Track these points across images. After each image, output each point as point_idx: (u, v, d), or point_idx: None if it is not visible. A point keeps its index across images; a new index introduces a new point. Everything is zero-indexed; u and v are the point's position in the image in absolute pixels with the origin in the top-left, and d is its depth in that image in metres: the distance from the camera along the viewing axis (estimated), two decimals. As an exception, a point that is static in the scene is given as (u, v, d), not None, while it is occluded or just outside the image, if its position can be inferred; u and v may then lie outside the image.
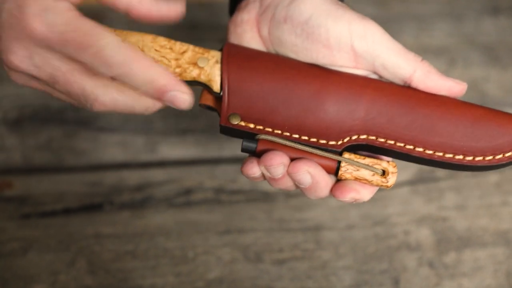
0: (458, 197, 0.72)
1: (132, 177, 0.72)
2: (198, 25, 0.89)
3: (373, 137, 0.49)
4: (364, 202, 0.71)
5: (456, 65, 0.83)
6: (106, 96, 0.48)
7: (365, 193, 0.51)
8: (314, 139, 0.49)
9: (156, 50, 0.50)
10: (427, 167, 0.74)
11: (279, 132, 0.49)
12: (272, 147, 0.49)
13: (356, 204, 0.71)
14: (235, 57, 0.50)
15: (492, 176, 0.73)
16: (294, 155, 0.49)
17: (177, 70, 0.50)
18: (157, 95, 0.48)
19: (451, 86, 0.50)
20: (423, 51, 0.84)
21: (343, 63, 0.51)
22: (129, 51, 0.47)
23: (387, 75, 0.51)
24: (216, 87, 0.50)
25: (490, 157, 0.49)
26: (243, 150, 0.49)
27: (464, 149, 0.49)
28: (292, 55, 0.52)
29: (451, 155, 0.49)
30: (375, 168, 0.49)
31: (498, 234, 0.69)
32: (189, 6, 0.92)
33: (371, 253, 0.67)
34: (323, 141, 0.49)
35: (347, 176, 0.49)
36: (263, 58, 0.51)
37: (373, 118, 0.50)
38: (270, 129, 0.49)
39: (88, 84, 0.48)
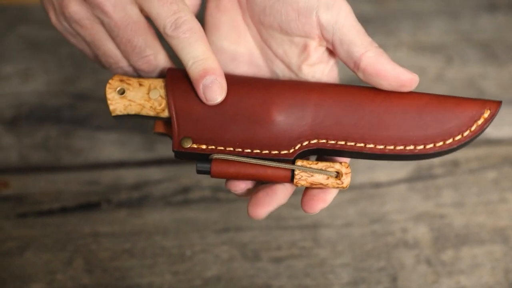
0: (456, 194, 0.72)
1: (129, 175, 0.71)
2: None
3: (324, 141, 0.50)
4: (361, 200, 0.71)
5: (453, 62, 0.83)
6: (161, 55, 0.52)
7: (330, 198, 0.52)
8: (266, 151, 0.50)
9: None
10: (425, 164, 0.74)
11: (231, 149, 0.50)
12: (226, 165, 0.50)
13: (353, 202, 0.71)
14: (178, 82, 0.52)
15: (490, 173, 0.73)
16: (248, 170, 0.50)
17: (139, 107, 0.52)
18: (202, 74, 0.50)
19: (399, 73, 0.51)
20: (420, 49, 0.84)
21: (308, 30, 0.52)
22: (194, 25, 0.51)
23: (341, 52, 0.52)
24: (164, 113, 0.51)
25: (441, 143, 0.49)
26: (198, 171, 0.50)
27: (413, 139, 0.49)
28: (264, 18, 0.53)
29: (402, 147, 0.50)
30: (328, 171, 0.50)
31: (495, 231, 0.69)
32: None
33: (369, 251, 0.67)
34: (275, 152, 0.50)
35: (303, 183, 0.50)
36: None
37: (320, 122, 0.50)
38: (222, 148, 0.50)
39: (149, 39, 0.52)
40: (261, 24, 0.54)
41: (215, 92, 0.50)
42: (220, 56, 0.55)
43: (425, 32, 0.85)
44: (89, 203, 0.69)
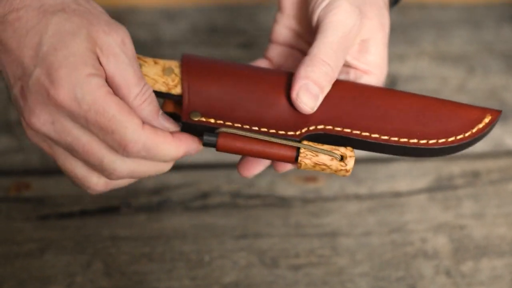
0: (476, 205, 0.71)
1: (149, 180, 0.72)
2: (217, 29, 0.89)
3: (330, 127, 0.52)
4: (381, 209, 0.71)
5: (475, 73, 0.82)
6: (123, 168, 0.49)
7: (262, 168, 0.56)
8: (273, 130, 0.51)
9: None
10: (446, 174, 0.73)
11: (239, 125, 0.51)
12: (232, 140, 0.51)
13: (373, 211, 0.71)
14: (194, 62, 0.53)
15: (511, 185, 0.73)
16: (254, 145, 0.51)
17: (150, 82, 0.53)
18: (176, 159, 0.51)
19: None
20: (441, 59, 0.83)
21: None
22: (152, 136, 0.48)
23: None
24: (176, 90, 0.52)
25: (443, 140, 0.51)
26: (204, 144, 0.51)
27: (417, 134, 0.52)
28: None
29: (405, 139, 0.51)
30: (333, 152, 0.51)
31: (516, 243, 0.69)
32: (209, 10, 0.93)
33: (388, 260, 0.67)
34: (282, 132, 0.51)
35: (307, 161, 0.51)
36: (220, 62, 0.54)
37: (329, 110, 0.52)
38: (230, 123, 0.51)
39: (107, 157, 0.48)
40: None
41: (194, 153, 0.52)
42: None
43: (447, 41, 0.85)
44: (109, 207, 0.70)
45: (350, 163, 0.51)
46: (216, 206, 0.71)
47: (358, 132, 0.52)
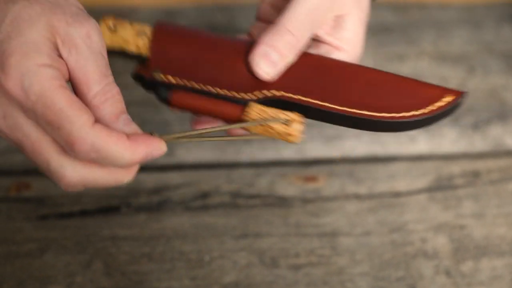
0: (476, 205, 0.71)
1: (149, 180, 0.72)
2: (217, 29, 0.89)
3: (285, 94, 0.53)
4: (381, 209, 0.71)
5: (475, 72, 0.82)
6: (74, 174, 0.45)
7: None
8: (225, 91, 0.53)
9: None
10: (446, 174, 0.73)
11: (194, 84, 0.53)
12: (185, 95, 0.53)
13: (373, 211, 0.71)
14: (165, 27, 0.55)
15: (511, 185, 0.73)
16: (206, 102, 0.53)
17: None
18: (135, 164, 0.46)
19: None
20: (441, 58, 0.83)
21: None
22: (102, 135, 0.44)
23: None
24: (146, 52, 0.54)
25: (394, 114, 0.52)
26: (158, 98, 0.53)
27: (372, 106, 0.52)
28: None
29: (358, 111, 0.52)
30: (280, 115, 0.51)
31: (516, 243, 0.69)
32: (207, 9, 0.93)
33: (388, 260, 0.67)
34: (234, 93, 0.53)
35: (252, 122, 0.52)
36: (189, 28, 0.56)
37: (287, 77, 0.53)
38: (186, 81, 0.53)
39: (55, 159, 0.45)
40: None
41: (157, 155, 0.48)
42: None
43: (447, 41, 0.85)
44: (109, 207, 0.70)
45: (294, 127, 0.51)
46: (216, 206, 0.71)
47: (313, 101, 0.52)
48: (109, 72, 0.46)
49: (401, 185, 0.73)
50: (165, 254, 0.66)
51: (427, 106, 0.52)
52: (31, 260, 0.65)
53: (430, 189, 0.73)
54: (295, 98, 0.52)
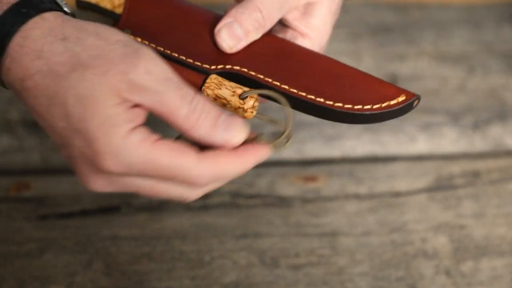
0: (476, 205, 0.71)
1: (149, 180, 0.72)
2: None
3: (245, 70, 0.53)
4: (381, 209, 0.71)
5: (475, 72, 0.82)
6: (195, 193, 0.48)
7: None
8: (190, 60, 0.54)
9: None
10: (446, 174, 0.73)
11: (161, 49, 0.54)
12: None
13: (373, 211, 0.71)
14: None
15: (511, 185, 0.73)
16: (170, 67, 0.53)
17: None
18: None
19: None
20: (441, 58, 0.83)
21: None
22: (214, 165, 0.46)
23: None
24: (119, 10, 0.56)
25: (349, 106, 0.52)
26: None
27: (326, 94, 0.53)
28: None
29: (312, 96, 0.53)
30: (236, 90, 0.52)
31: (516, 243, 0.69)
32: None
33: (388, 260, 0.67)
34: (198, 63, 0.53)
35: (209, 92, 0.52)
36: None
37: (249, 54, 0.54)
38: (153, 45, 0.54)
39: (174, 190, 0.47)
40: None
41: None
42: None
43: (447, 41, 0.85)
44: (109, 207, 0.70)
45: (248, 102, 0.51)
46: (216, 206, 0.71)
47: (269, 80, 0.53)
48: (185, 87, 0.46)
49: (401, 185, 0.73)
50: (165, 254, 0.66)
51: (382, 102, 0.53)
52: (31, 260, 0.65)
53: (430, 189, 0.73)
54: (252, 75, 0.53)
